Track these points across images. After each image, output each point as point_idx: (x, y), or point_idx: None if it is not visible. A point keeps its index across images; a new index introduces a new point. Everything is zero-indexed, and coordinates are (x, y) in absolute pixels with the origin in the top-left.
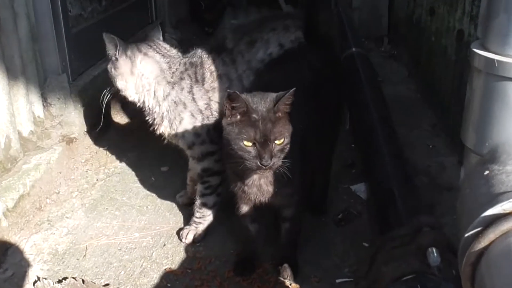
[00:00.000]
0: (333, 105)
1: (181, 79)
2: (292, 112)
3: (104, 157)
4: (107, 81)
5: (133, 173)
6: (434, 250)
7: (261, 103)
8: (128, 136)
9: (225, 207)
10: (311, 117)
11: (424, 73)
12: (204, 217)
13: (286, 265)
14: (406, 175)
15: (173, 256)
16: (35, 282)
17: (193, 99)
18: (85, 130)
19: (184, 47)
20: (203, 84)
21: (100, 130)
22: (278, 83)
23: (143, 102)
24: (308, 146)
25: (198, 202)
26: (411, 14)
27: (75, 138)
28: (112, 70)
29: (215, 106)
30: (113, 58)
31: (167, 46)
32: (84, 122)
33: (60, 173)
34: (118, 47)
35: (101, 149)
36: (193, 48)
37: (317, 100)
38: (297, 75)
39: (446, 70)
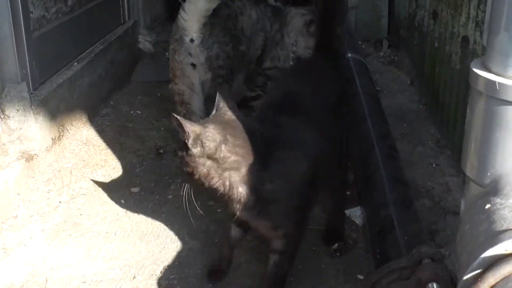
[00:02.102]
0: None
1: None
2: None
3: (68, 176)
4: (73, 90)
5: (101, 194)
6: (435, 285)
7: None
8: (96, 152)
9: (203, 238)
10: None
11: (427, 82)
12: None
13: None
14: (407, 199)
15: None
16: None
17: None
18: (47, 146)
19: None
20: None
21: None
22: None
23: None
24: (320, 174)
25: None
26: (413, 16)
27: (35, 154)
28: None
29: None
30: None
31: None
32: (46, 137)
33: (18, 194)
34: None
35: (65, 166)
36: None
37: (330, 119)
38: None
39: (451, 80)
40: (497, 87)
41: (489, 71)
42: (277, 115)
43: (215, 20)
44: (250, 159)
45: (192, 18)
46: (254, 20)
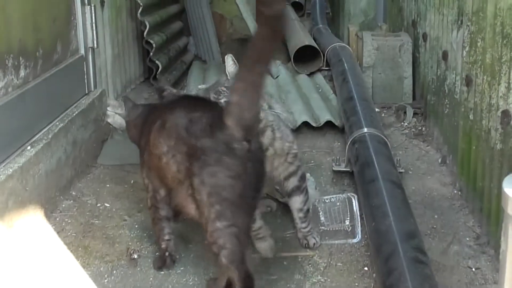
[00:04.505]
0: None
1: None
2: None
3: None
4: (26, 181)
5: None
6: None
7: None
8: (52, 259)
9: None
10: None
11: (462, 161)
12: None
13: None
14: None
15: None
16: None
17: None
18: None
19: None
20: None
21: None
22: None
23: None
24: None
25: None
26: (443, 80)
27: None
28: None
29: None
30: None
31: None
32: None
33: None
34: None
35: (11, 278)
36: None
37: None
38: None
39: (491, 162)
40: None
41: None
42: None
43: None
44: None
45: None
46: None
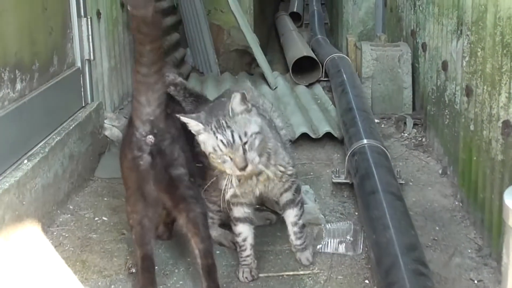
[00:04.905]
0: None
1: None
2: None
3: None
4: (22, 195)
5: None
6: None
7: None
8: (50, 274)
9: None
10: None
11: (463, 172)
12: None
13: None
14: None
15: None
16: None
17: None
18: None
19: None
20: None
21: None
22: None
23: None
24: None
25: None
26: (442, 90)
27: None
28: None
29: None
30: None
31: None
32: None
33: None
34: None
35: None
36: None
37: None
38: None
39: (492, 173)
40: None
41: None
42: None
43: None
44: None
45: None
46: None
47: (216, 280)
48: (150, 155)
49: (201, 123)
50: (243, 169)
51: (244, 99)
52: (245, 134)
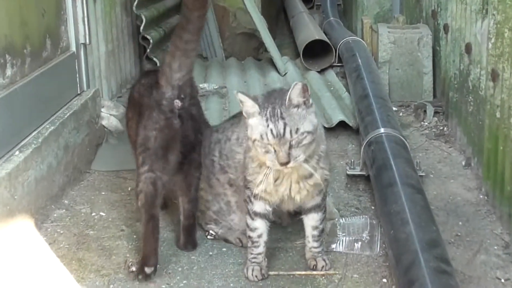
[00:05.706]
0: None
1: None
2: None
3: None
4: (14, 189)
5: None
6: None
7: None
8: (44, 273)
9: None
10: None
11: (488, 164)
12: None
13: None
14: None
15: None
16: None
17: None
18: None
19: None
20: None
21: None
22: None
23: None
24: None
25: None
26: (466, 75)
27: None
28: None
29: None
30: None
31: None
32: None
33: None
34: None
35: None
36: None
37: None
38: None
39: None
40: None
41: None
42: None
43: None
44: None
45: None
46: None
47: (194, 237)
48: (179, 117)
49: (258, 105)
50: (284, 164)
51: (305, 90)
52: (297, 130)
